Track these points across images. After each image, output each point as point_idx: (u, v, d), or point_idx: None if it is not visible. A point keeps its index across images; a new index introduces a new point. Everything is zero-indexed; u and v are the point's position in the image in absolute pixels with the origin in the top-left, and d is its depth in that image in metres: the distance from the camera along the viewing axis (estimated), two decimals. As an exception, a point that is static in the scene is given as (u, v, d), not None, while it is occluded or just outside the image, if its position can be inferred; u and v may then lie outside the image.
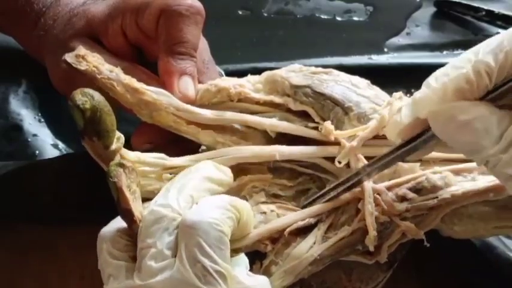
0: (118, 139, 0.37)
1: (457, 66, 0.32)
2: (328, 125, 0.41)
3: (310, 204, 0.41)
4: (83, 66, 0.41)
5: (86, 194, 0.46)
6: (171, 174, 0.40)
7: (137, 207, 0.34)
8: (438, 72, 0.33)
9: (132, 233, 0.34)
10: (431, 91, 0.33)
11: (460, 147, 0.33)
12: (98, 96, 0.36)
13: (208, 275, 0.32)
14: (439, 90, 0.33)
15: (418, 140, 0.36)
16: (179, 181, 0.36)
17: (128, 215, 0.34)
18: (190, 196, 0.35)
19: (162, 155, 0.40)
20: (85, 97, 0.35)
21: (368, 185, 0.39)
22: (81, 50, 0.42)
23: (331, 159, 0.42)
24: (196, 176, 0.37)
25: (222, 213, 0.34)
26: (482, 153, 0.32)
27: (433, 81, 0.33)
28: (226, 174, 0.39)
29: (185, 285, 0.32)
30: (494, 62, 0.31)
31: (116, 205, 0.34)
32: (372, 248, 0.39)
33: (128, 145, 0.39)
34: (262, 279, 0.36)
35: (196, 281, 0.32)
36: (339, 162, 0.41)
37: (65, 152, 0.50)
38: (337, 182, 0.40)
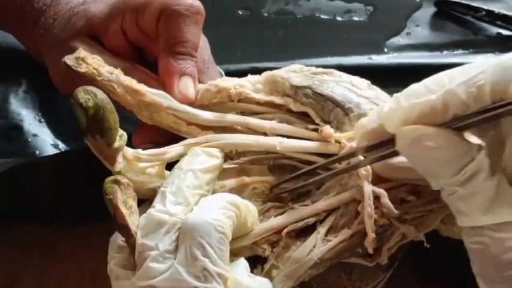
0: (121, 137, 0.37)
1: (429, 88, 0.32)
2: (327, 129, 0.41)
3: (289, 181, 0.41)
4: (82, 69, 0.41)
5: (86, 194, 0.46)
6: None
7: (134, 222, 0.35)
8: (409, 89, 0.33)
9: (130, 247, 0.35)
10: (399, 109, 0.33)
11: (420, 170, 0.33)
12: (100, 94, 0.36)
13: (209, 275, 0.32)
14: (406, 110, 0.32)
15: (382, 153, 0.36)
16: (173, 183, 0.37)
17: (125, 230, 0.34)
18: (186, 198, 0.36)
19: (162, 149, 0.40)
20: (88, 95, 0.35)
21: (368, 187, 0.39)
22: (81, 52, 0.41)
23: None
24: (189, 173, 0.37)
25: (223, 213, 0.35)
26: (439, 181, 0.32)
27: (403, 99, 0.33)
28: (217, 156, 0.40)
29: (185, 284, 0.32)
30: (465, 94, 0.30)
31: (113, 221, 0.34)
32: (371, 251, 0.39)
33: (129, 144, 0.39)
34: (263, 280, 0.36)
35: (195, 281, 0.32)
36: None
37: (65, 153, 0.50)
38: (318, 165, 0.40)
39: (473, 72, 0.31)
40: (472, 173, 0.31)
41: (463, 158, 0.31)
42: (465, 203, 0.31)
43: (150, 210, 0.35)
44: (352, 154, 0.39)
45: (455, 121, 0.31)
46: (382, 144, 0.36)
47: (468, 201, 0.31)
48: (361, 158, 0.39)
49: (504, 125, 0.32)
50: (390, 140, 0.35)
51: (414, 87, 0.33)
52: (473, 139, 0.32)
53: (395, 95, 0.34)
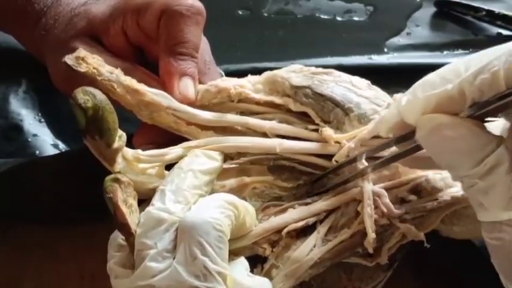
0: (120, 137, 0.37)
1: (445, 77, 0.31)
2: (327, 131, 0.41)
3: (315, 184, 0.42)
4: (83, 69, 0.41)
5: (86, 194, 0.46)
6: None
7: (134, 221, 0.35)
8: (425, 80, 0.33)
9: (130, 245, 0.35)
10: (416, 101, 0.32)
11: (439, 160, 0.33)
12: (99, 94, 0.36)
13: (209, 274, 0.32)
14: (423, 101, 0.32)
15: (405, 148, 0.35)
16: (173, 182, 0.37)
17: (125, 229, 0.34)
18: (186, 197, 0.36)
19: (161, 150, 0.40)
20: (87, 95, 0.35)
21: (367, 187, 0.39)
22: (81, 51, 0.41)
23: (330, 158, 0.42)
24: (189, 173, 0.37)
25: (221, 212, 0.35)
26: (459, 172, 0.31)
27: (419, 90, 0.32)
28: (217, 159, 0.40)
29: (185, 284, 0.32)
30: (480, 81, 0.30)
31: (113, 219, 0.34)
32: (371, 251, 0.39)
33: (129, 144, 0.39)
34: (263, 280, 0.36)
35: (195, 280, 0.32)
36: (336, 162, 0.41)
37: (65, 153, 0.50)
38: (334, 167, 0.41)
39: (487, 59, 0.30)
40: (493, 165, 0.30)
41: (483, 149, 0.30)
42: (485, 196, 0.31)
43: (149, 208, 0.35)
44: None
45: (474, 110, 0.31)
46: (408, 136, 0.35)
47: (488, 194, 0.30)
48: (365, 163, 0.39)
49: None
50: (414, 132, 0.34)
51: (430, 77, 0.32)
52: (494, 130, 0.32)
53: (412, 86, 0.33)
